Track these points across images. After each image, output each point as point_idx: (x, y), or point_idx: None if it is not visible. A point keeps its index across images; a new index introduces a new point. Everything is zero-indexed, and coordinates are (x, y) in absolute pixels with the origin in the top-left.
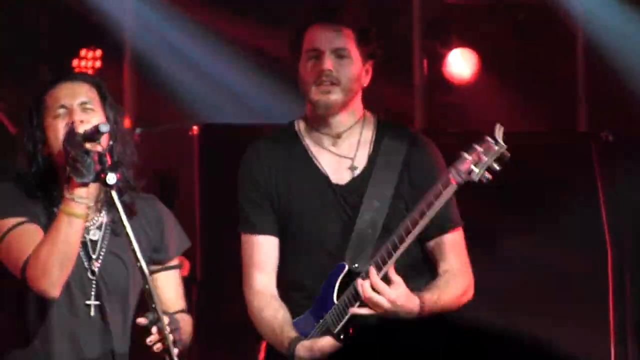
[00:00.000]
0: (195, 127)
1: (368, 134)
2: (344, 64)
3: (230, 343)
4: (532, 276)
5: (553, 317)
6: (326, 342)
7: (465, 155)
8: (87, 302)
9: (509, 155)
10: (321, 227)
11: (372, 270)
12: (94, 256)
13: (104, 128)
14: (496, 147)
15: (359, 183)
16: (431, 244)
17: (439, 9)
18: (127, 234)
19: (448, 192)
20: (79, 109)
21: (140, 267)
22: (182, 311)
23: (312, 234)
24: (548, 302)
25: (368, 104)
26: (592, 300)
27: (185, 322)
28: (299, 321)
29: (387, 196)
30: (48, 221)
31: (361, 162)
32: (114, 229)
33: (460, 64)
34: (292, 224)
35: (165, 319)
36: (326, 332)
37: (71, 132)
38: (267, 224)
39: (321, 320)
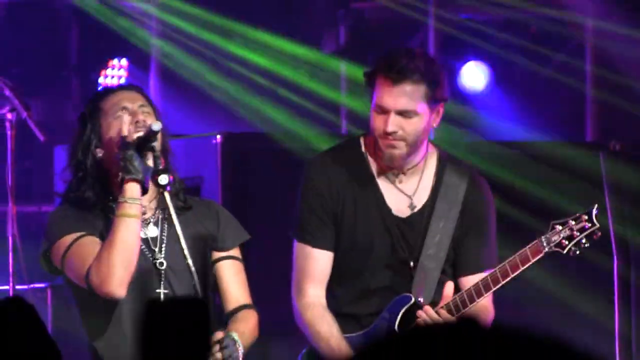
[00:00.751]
0: (218, 136)
1: (431, 170)
2: (410, 123)
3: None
4: (541, 279)
5: (565, 320)
6: None
7: (558, 227)
8: (157, 291)
9: (600, 234)
10: (376, 254)
11: (443, 312)
12: (156, 249)
13: (156, 126)
14: (589, 226)
15: (419, 218)
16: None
17: (453, 24)
18: (177, 233)
19: (535, 259)
20: (139, 110)
21: (188, 264)
22: (246, 306)
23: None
24: (557, 304)
25: None
26: (598, 304)
27: (246, 319)
28: (351, 338)
29: (449, 232)
30: (106, 228)
31: (422, 199)
32: (170, 223)
33: (473, 76)
34: (350, 243)
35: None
36: None
37: (124, 139)
38: (328, 239)
39: None
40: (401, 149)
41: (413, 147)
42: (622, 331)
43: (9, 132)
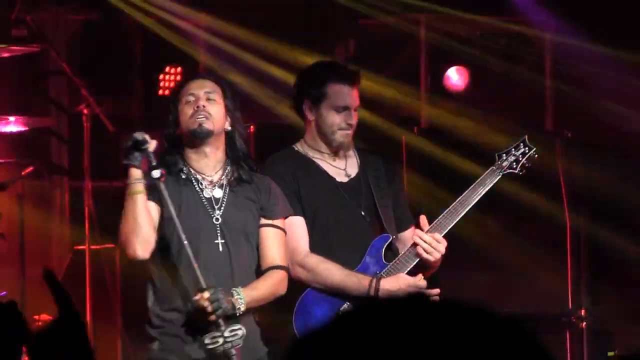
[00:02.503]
0: (252, 126)
1: (352, 151)
2: (357, 115)
3: None
4: (511, 242)
5: (530, 274)
6: (406, 278)
7: (504, 156)
8: (216, 241)
9: (537, 155)
10: (334, 213)
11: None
12: (216, 206)
13: (139, 136)
14: (528, 150)
15: (356, 182)
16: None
17: (441, 35)
18: (170, 212)
19: (494, 182)
20: (204, 97)
21: (179, 237)
22: (276, 267)
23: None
24: (525, 263)
25: (387, 109)
26: (555, 259)
27: (273, 276)
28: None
29: (388, 193)
30: (180, 191)
31: (353, 170)
32: (233, 187)
33: (456, 78)
34: (314, 209)
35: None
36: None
37: (130, 136)
38: (298, 209)
39: (377, 275)
40: (350, 135)
41: None
42: (573, 279)
43: (85, 124)
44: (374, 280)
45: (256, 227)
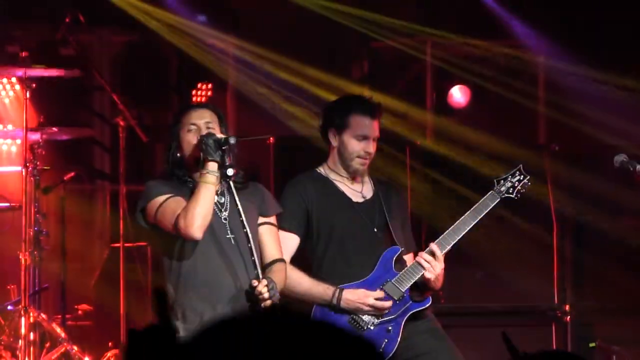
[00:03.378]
0: (271, 138)
1: (367, 177)
2: (375, 145)
3: None
4: (502, 244)
5: (518, 272)
6: (375, 294)
7: (502, 182)
8: (227, 236)
9: (530, 183)
10: (349, 228)
11: (435, 247)
12: (223, 209)
13: (232, 140)
14: (523, 177)
15: (370, 203)
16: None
17: (445, 58)
18: (238, 210)
19: (492, 205)
20: (204, 126)
21: (246, 232)
22: (278, 260)
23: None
24: (515, 262)
25: (399, 122)
26: (542, 259)
27: (280, 270)
28: (354, 285)
29: (399, 215)
30: (187, 195)
31: (368, 193)
32: (231, 194)
33: (459, 95)
34: (329, 226)
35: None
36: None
37: (210, 134)
38: (297, 227)
39: (388, 282)
40: (367, 163)
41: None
42: (559, 277)
43: (120, 134)
44: (337, 290)
45: (256, 224)
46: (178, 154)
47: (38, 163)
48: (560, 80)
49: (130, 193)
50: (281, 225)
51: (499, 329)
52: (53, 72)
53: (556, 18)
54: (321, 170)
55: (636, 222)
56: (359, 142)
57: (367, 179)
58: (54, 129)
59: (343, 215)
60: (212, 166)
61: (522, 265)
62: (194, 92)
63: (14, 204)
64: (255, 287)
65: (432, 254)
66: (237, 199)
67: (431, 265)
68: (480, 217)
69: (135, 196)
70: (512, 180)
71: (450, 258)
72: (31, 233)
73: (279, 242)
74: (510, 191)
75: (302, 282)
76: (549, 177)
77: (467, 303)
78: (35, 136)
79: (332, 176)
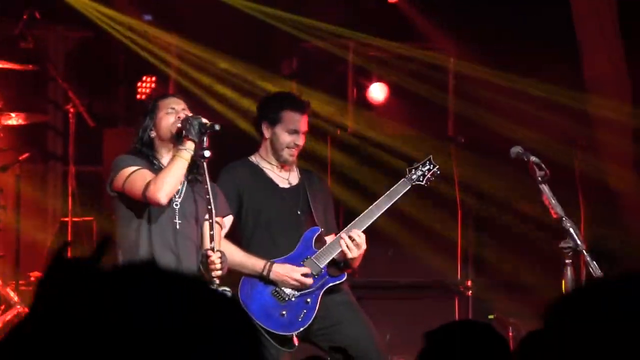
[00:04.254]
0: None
1: (295, 168)
2: (305, 138)
3: None
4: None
5: (426, 250)
6: (302, 270)
7: (413, 170)
8: (175, 220)
9: (439, 172)
10: (277, 211)
11: (356, 232)
12: (177, 195)
13: (217, 126)
14: (432, 167)
15: (295, 189)
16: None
17: (366, 58)
18: (206, 189)
19: (404, 191)
20: (182, 111)
21: (210, 209)
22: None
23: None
24: (423, 241)
25: (322, 118)
26: (447, 239)
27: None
28: (280, 260)
29: (322, 201)
30: (154, 171)
31: (294, 180)
32: (190, 184)
33: (377, 91)
34: (259, 207)
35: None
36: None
37: (194, 117)
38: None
39: (308, 259)
40: (296, 153)
41: None
42: (462, 255)
43: (70, 120)
44: (268, 264)
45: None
46: (152, 134)
47: None
48: (469, 79)
49: (80, 174)
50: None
51: (408, 301)
52: (12, 66)
53: (467, 20)
54: (253, 158)
55: (529, 208)
56: (289, 135)
57: (294, 168)
58: (12, 114)
59: (270, 199)
60: (190, 145)
61: (429, 245)
62: (139, 84)
63: None
64: (209, 257)
65: (351, 238)
66: (207, 178)
67: (349, 247)
68: (392, 202)
69: (84, 176)
70: (423, 169)
71: (365, 236)
72: None
73: (221, 237)
74: (421, 179)
75: (235, 255)
76: (454, 167)
77: (379, 277)
78: None
79: (263, 164)
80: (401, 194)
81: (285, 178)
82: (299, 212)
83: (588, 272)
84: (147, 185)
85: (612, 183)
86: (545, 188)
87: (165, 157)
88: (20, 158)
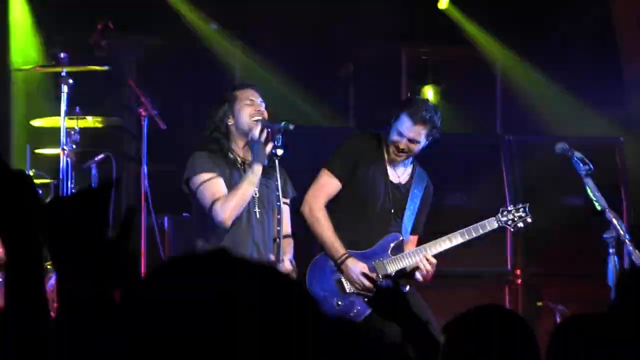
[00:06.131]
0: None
1: (410, 164)
2: (416, 146)
3: None
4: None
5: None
6: (370, 275)
7: (505, 212)
8: (255, 210)
9: (530, 222)
10: (376, 200)
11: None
12: (256, 187)
13: (291, 126)
14: (524, 216)
15: (402, 187)
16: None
17: (419, 62)
18: (277, 185)
19: (489, 229)
20: (260, 104)
21: (279, 205)
22: (289, 235)
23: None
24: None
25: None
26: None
27: (289, 244)
28: (352, 253)
29: (419, 203)
30: (230, 172)
31: (406, 177)
32: (266, 176)
33: (430, 95)
34: (364, 188)
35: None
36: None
37: (274, 122)
38: (345, 175)
39: (380, 261)
40: (400, 157)
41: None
42: (512, 244)
43: (142, 123)
44: (344, 255)
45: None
46: (229, 122)
47: (74, 146)
48: (515, 80)
49: (152, 173)
50: (330, 168)
51: (459, 290)
52: (87, 68)
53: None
54: (384, 140)
55: (576, 200)
56: (397, 136)
57: (410, 165)
58: (88, 117)
59: (374, 187)
60: (258, 170)
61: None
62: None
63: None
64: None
65: (429, 261)
66: (278, 174)
67: (423, 265)
68: (476, 235)
69: (156, 175)
70: (515, 214)
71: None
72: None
73: (289, 219)
74: (509, 223)
75: (326, 230)
76: (503, 163)
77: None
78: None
79: (385, 151)
80: (487, 231)
81: (398, 174)
82: (392, 211)
83: (631, 261)
84: (215, 203)
85: None
86: (589, 181)
87: (240, 149)
88: (96, 159)
